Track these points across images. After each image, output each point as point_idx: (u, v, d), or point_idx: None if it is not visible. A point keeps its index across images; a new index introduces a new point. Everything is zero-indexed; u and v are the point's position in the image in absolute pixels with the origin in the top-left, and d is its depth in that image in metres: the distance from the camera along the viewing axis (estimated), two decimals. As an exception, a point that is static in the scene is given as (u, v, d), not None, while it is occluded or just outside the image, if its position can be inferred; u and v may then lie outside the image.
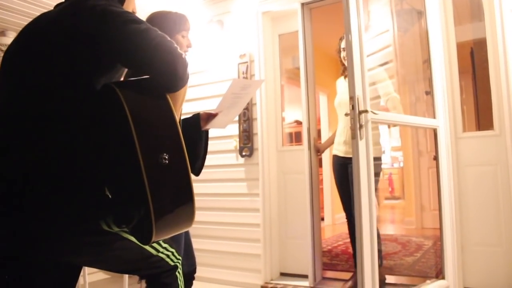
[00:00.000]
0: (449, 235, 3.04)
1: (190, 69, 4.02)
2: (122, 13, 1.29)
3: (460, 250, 3.15)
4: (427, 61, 3.35)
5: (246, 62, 4.02)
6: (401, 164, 10.01)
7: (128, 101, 1.18)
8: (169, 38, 1.27)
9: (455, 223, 3.12)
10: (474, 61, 4.41)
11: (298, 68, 3.83)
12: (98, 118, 1.28)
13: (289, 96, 7.08)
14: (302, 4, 3.76)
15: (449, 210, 3.06)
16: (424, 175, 6.01)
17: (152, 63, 1.23)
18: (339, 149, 3.40)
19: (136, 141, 1.14)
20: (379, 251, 2.73)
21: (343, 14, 4.78)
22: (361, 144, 2.33)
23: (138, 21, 1.29)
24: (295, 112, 7.30)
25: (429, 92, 3.66)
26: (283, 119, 7.95)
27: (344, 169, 3.36)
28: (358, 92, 2.36)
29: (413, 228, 6.18)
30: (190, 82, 4.33)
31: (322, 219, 7.13)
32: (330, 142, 3.61)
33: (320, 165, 6.82)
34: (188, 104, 4.35)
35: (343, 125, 3.38)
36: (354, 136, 2.32)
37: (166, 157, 1.18)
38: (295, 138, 7.79)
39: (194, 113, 2.26)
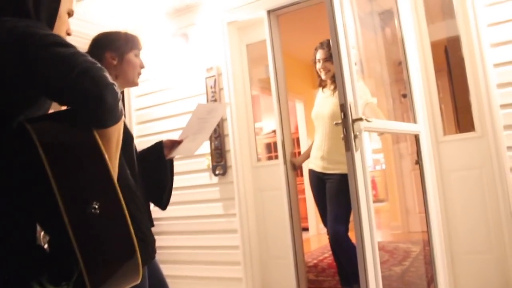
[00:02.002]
0: (438, 245, 2.87)
1: (156, 87, 3.81)
2: (46, 35, 1.09)
3: (450, 259, 2.99)
4: (402, 63, 3.21)
5: (214, 75, 3.83)
6: (383, 166, 9.94)
7: (42, 141, 0.97)
8: (99, 65, 1.07)
9: (443, 231, 2.96)
10: (449, 59, 4.31)
11: (271, 77, 3.66)
12: (10, 162, 1.07)
13: (266, 106, 6.93)
14: (269, 12, 3.60)
15: (436, 218, 2.90)
16: (407, 178, 5.90)
17: (76, 92, 1.03)
18: (316, 163, 3.22)
19: (55, 189, 0.93)
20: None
21: (313, 20, 4.69)
22: (357, 156, 2.12)
23: (65, 44, 1.09)
24: (273, 122, 7.16)
25: (406, 95, 3.52)
26: (260, 130, 7.86)
27: (321, 185, 3.18)
28: (350, 98, 2.14)
29: (399, 233, 6.04)
30: (157, 100, 4.16)
31: (307, 229, 6.98)
32: (306, 156, 3.43)
33: (301, 174, 6.64)
34: (156, 123, 4.16)
35: (320, 138, 3.20)
36: (348, 148, 2.08)
37: (96, 206, 0.97)
38: (274, 148, 7.61)
39: (156, 142, 2.07)
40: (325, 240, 6.35)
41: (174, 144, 2.06)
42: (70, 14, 1.35)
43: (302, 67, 6.62)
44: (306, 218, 7.02)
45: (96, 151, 1.03)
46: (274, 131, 7.56)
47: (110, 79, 1.07)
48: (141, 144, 4.22)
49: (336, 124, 2.14)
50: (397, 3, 3.09)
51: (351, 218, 2.83)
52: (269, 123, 7.75)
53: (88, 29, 4.11)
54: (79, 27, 4.04)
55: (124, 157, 1.69)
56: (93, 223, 0.98)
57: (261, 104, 7.30)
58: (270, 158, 7.86)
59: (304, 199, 6.82)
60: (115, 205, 1.01)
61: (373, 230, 2.16)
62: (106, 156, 1.04)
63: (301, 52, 6.02)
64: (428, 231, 2.85)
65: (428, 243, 2.92)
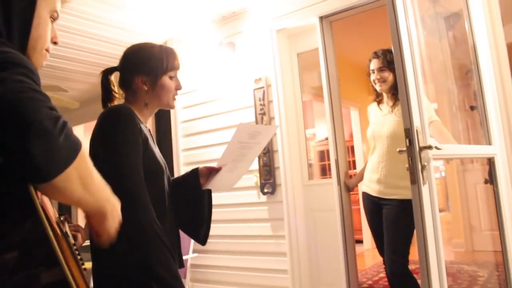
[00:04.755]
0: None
1: (202, 98, 3.59)
2: None
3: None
4: (473, 72, 2.84)
5: (263, 87, 3.60)
6: (443, 174, 9.40)
7: None
8: (32, 90, 0.82)
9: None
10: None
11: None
12: None
13: (318, 111, 6.65)
14: (321, 18, 3.32)
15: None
16: (471, 190, 5.41)
17: None
18: (371, 187, 2.91)
19: None
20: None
21: (370, 24, 4.36)
22: (425, 190, 1.82)
23: (4, 66, 0.84)
24: (326, 128, 6.88)
25: (475, 107, 3.14)
26: (313, 136, 7.57)
27: (377, 210, 2.87)
28: (416, 122, 1.84)
29: (462, 252, 5.57)
30: (203, 112, 4.00)
31: (361, 241, 6.60)
32: (361, 177, 3.12)
33: (356, 184, 6.30)
34: (202, 136, 3.98)
35: (377, 160, 2.88)
36: (414, 180, 1.79)
37: None
38: (327, 156, 7.32)
39: (192, 169, 1.82)
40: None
41: (212, 172, 1.81)
42: (54, 17, 1.10)
43: (357, 72, 6.25)
44: (360, 230, 6.67)
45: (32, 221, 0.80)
46: (327, 138, 7.27)
47: (44, 113, 0.80)
48: (186, 157, 4.12)
49: (400, 152, 1.84)
50: (468, 4, 2.73)
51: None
52: (322, 129, 7.44)
53: (131, 39, 4.01)
54: (122, 37, 3.96)
55: (151, 193, 1.47)
56: None
57: (314, 109, 7.02)
58: (323, 166, 7.58)
59: (358, 210, 6.47)
60: None
61: (443, 278, 1.85)
62: (47, 227, 0.80)
63: (356, 56, 5.68)
64: (506, 270, 2.47)
65: (498, 268, 2.54)
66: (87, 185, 0.90)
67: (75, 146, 0.86)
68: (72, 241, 1.12)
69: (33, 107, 0.80)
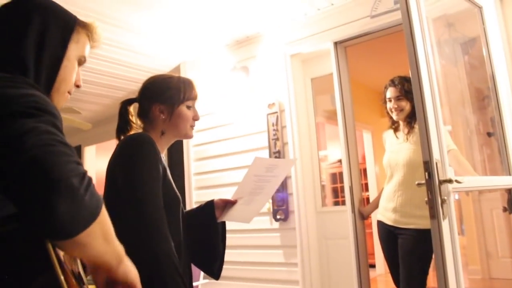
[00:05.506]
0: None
1: (215, 122, 3.57)
2: (13, 98, 0.82)
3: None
4: (489, 97, 2.80)
5: (276, 112, 3.58)
6: (456, 197, 9.26)
7: None
8: (60, 148, 0.78)
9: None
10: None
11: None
12: None
13: (331, 134, 6.60)
14: (335, 43, 3.31)
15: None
16: (488, 216, 5.31)
17: (16, 190, 0.74)
18: (387, 216, 2.84)
19: None
20: None
21: (383, 48, 4.34)
22: (445, 225, 1.74)
23: (31, 113, 0.80)
24: (338, 151, 6.82)
25: (492, 134, 3.08)
26: (325, 157, 7.52)
27: (393, 240, 2.80)
28: (436, 154, 1.77)
29: (479, 279, 5.43)
30: (216, 136, 3.98)
31: (374, 266, 6.48)
32: (375, 205, 3.06)
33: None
34: (214, 160, 3.95)
35: (393, 188, 2.82)
36: (433, 215, 1.71)
37: None
38: (340, 178, 7.26)
39: (206, 201, 1.79)
40: (394, 282, 5.83)
41: (227, 204, 1.77)
42: (81, 61, 1.12)
43: (370, 95, 6.24)
44: (372, 254, 6.55)
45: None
46: (339, 161, 7.20)
47: (71, 169, 0.77)
48: (198, 181, 4.09)
49: (419, 185, 1.78)
50: (486, 31, 2.70)
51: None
52: (335, 151, 7.38)
53: (145, 62, 4.03)
54: (136, 60, 3.98)
55: (169, 226, 1.44)
56: None
57: (326, 131, 6.98)
58: (335, 188, 7.50)
59: (371, 234, 6.37)
60: None
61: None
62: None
63: (369, 79, 5.67)
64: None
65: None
66: (108, 236, 0.88)
67: (99, 203, 0.82)
68: (85, 279, 1.09)
69: (60, 162, 0.76)
